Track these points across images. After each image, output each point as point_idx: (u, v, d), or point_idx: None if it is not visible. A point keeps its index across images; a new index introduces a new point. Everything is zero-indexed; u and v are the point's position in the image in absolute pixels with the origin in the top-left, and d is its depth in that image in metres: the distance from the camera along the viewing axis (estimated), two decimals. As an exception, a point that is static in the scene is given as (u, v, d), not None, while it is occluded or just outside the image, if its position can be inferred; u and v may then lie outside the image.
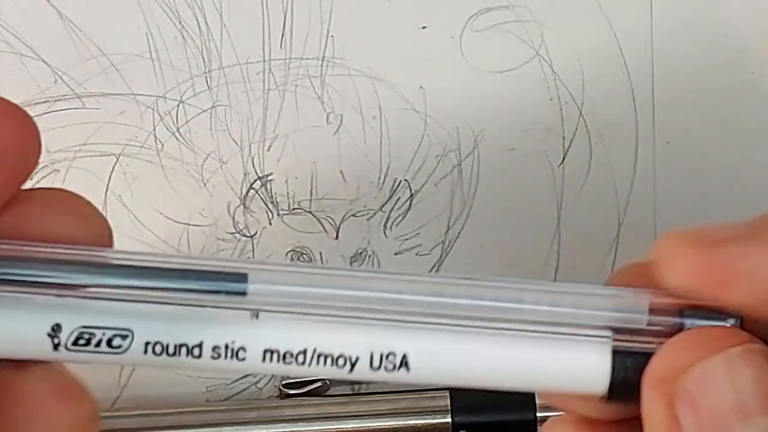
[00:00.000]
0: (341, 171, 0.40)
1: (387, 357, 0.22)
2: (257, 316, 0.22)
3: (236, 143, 0.40)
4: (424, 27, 0.39)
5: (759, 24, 0.39)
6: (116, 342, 0.22)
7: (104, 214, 0.23)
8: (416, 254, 0.41)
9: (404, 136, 0.40)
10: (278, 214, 0.41)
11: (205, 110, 0.40)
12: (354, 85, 0.40)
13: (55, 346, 0.22)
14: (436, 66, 0.39)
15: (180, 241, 0.41)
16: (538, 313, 0.22)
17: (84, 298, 0.22)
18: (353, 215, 0.41)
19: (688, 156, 0.40)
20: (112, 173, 0.40)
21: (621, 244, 0.41)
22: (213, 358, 0.22)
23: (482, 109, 0.40)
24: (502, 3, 0.39)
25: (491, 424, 0.39)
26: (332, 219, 0.41)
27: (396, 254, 0.41)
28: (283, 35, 0.39)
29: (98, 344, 0.22)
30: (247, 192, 0.40)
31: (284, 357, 0.22)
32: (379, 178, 0.40)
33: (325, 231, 0.41)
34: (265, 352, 0.22)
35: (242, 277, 0.22)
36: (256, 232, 0.41)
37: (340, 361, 0.22)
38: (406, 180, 0.41)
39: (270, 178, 0.40)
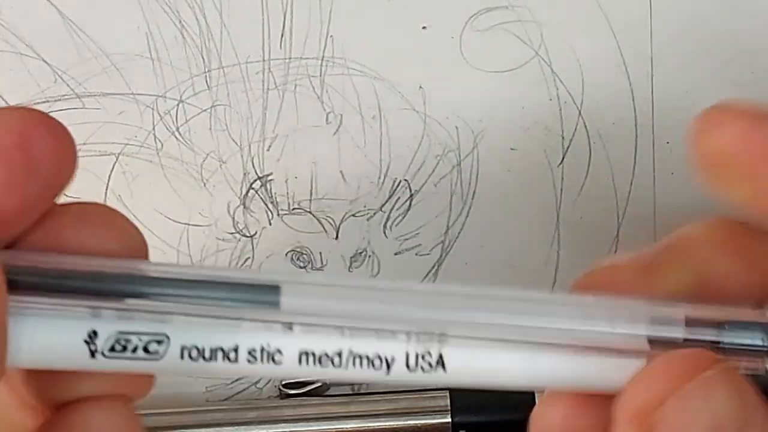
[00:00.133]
0: (341, 171, 0.40)
1: (423, 357, 0.22)
2: (291, 329, 0.22)
3: (236, 143, 0.40)
4: (424, 27, 0.39)
5: (759, 24, 0.39)
6: (152, 347, 0.22)
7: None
8: (416, 254, 0.41)
9: (404, 136, 0.40)
10: (278, 214, 0.41)
11: (205, 110, 0.40)
12: (354, 85, 0.40)
13: (92, 353, 0.22)
14: (436, 66, 0.39)
15: (180, 241, 0.41)
16: (574, 326, 0.22)
17: (119, 310, 0.22)
18: (353, 215, 0.41)
19: (687, 156, 0.40)
20: (111, 173, 0.40)
21: (621, 244, 0.41)
22: (249, 362, 0.22)
23: (482, 109, 0.40)
24: (502, 3, 0.39)
25: (491, 424, 0.39)
26: (332, 219, 0.41)
27: (396, 254, 0.41)
28: (282, 35, 0.39)
29: (135, 350, 0.22)
30: (247, 192, 0.40)
31: (320, 359, 0.22)
32: (379, 178, 0.40)
33: (325, 231, 0.41)
34: (301, 354, 0.22)
35: (275, 290, 0.22)
36: (256, 232, 0.41)
37: (377, 362, 0.22)
38: (405, 180, 0.41)
39: (270, 178, 0.40)
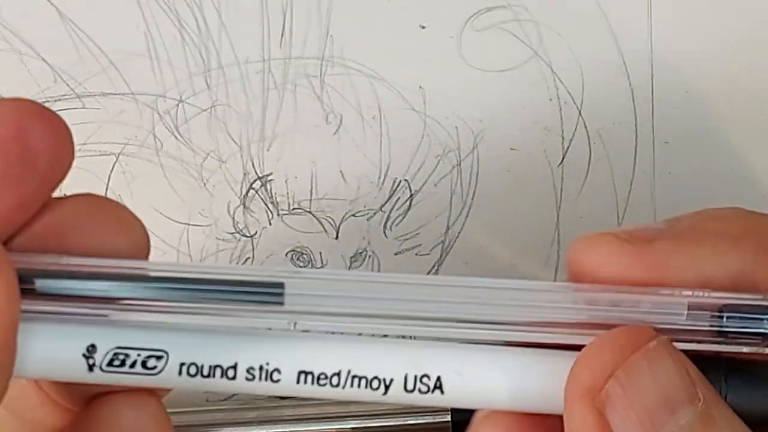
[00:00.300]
0: (341, 171, 0.40)
1: (421, 379, 0.22)
2: (294, 326, 0.22)
3: (236, 143, 0.40)
4: (423, 27, 0.39)
5: (759, 24, 0.39)
6: (151, 363, 0.22)
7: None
8: (416, 254, 0.41)
9: (404, 136, 0.40)
10: (278, 214, 0.41)
11: (205, 110, 0.40)
12: (353, 84, 0.40)
13: (90, 367, 0.22)
14: (435, 66, 0.39)
15: (180, 241, 0.41)
16: (575, 311, 0.22)
17: (121, 310, 0.22)
18: (353, 215, 0.41)
19: (687, 156, 0.40)
20: (111, 173, 0.40)
21: (621, 244, 0.41)
22: (247, 379, 0.22)
23: (482, 109, 0.40)
24: (501, 3, 0.39)
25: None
26: (332, 219, 0.41)
27: (396, 254, 0.41)
28: (282, 35, 0.39)
29: (133, 365, 0.22)
30: (247, 192, 0.40)
31: (318, 379, 0.22)
32: (379, 178, 0.40)
33: (325, 231, 0.41)
34: (300, 373, 0.22)
35: (279, 285, 0.22)
36: (256, 232, 0.41)
37: (375, 383, 0.22)
38: (405, 180, 0.41)
39: (270, 178, 0.40)
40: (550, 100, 0.40)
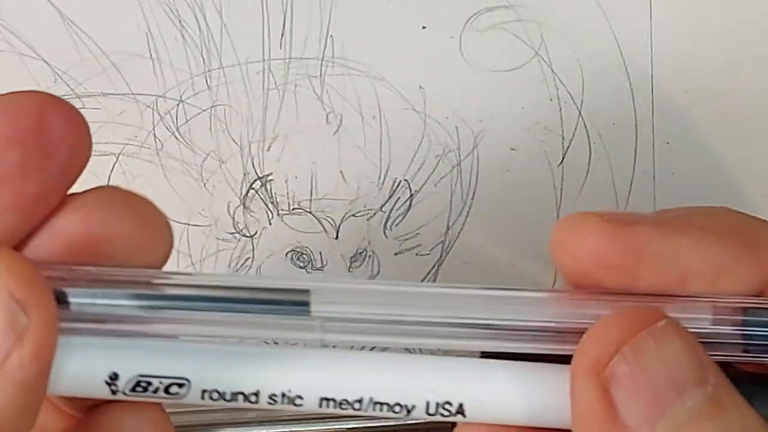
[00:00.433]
0: (341, 171, 0.40)
1: (443, 406, 0.22)
2: (322, 329, 0.22)
3: (236, 143, 0.40)
4: (424, 27, 0.39)
5: (759, 24, 0.39)
6: (173, 390, 0.22)
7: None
8: (416, 254, 0.41)
9: (404, 136, 0.40)
10: (278, 214, 0.41)
11: (205, 110, 0.40)
12: (354, 85, 0.40)
13: (113, 392, 0.22)
14: (436, 66, 0.39)
15: (180, 241, 0.41)
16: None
17: (146, 323, 0.22)
18: (353, 215, 0.41)
19: (687, 156, 0.40)
20: (111, 173, 0.40)
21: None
22: (270, 404, 0.22)
23: (482, 109, 0.40)
24: (502, 3, 0.39)
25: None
26: (332, 219, 0.41)
27: (396, 254, 0.41)
28: (282, 35, 0.39)
29: (156, 391, 0.22)
30: (247, 192, 0.40)
31: (341, 404, 0.22)
32: (379, 178, 0.40)
33: (325, 231, 0.41)
34: (322, 400, 0.22)
35: (305, 293, 0.22)
36: (256, 232, 0.41)
37: (396, 408, 0.22)
38: (405, 180, 0.41)
39: (270, 178, 0.40)
40: (550, 100, 0.40)
